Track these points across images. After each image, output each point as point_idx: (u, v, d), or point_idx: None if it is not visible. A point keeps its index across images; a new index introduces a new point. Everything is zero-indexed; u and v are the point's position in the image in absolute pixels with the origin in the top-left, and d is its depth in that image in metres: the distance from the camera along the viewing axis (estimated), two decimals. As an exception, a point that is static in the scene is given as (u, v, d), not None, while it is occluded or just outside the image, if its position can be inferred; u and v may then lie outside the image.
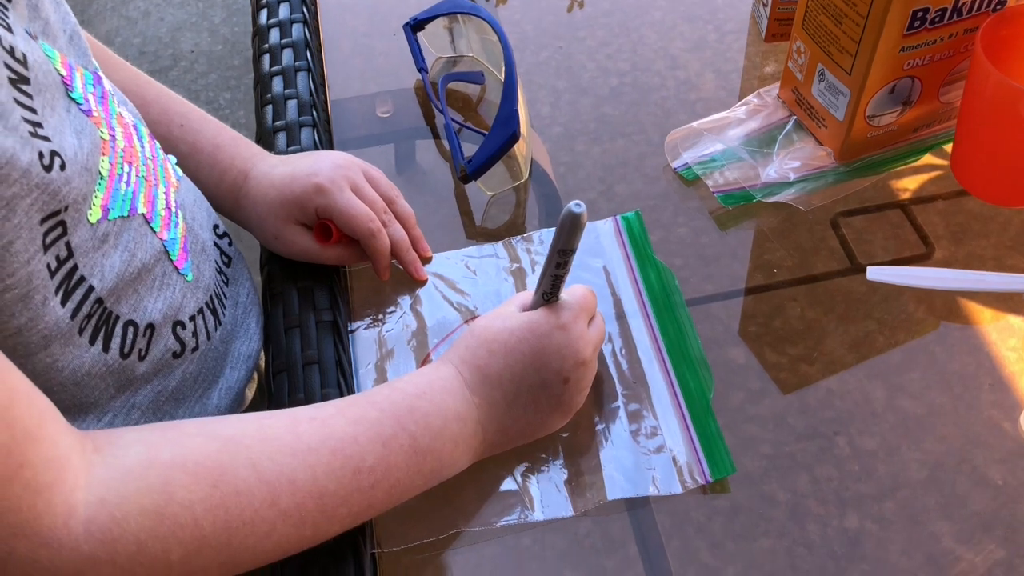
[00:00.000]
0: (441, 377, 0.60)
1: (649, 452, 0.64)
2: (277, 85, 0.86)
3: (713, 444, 0.64)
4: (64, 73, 0.55)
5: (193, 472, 0.49)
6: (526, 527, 0.61)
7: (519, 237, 0.78)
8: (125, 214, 0.59)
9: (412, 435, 0.56)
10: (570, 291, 0.63)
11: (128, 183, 0.60)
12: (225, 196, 0.75)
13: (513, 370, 0.60)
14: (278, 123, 0.83)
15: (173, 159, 0.71)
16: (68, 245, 0.54)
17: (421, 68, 0.89)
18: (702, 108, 0.88)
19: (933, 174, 0.82)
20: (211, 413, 0.72)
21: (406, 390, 0.59)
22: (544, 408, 0.62)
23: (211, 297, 0.70)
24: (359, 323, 0.72)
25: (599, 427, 0.66)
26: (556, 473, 0.63)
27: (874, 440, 0.64)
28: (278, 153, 0.80)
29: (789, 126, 0.84)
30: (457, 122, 0.85)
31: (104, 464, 0.48)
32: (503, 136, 0.77)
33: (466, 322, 0.72)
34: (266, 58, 0.89)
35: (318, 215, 0.71)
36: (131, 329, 0.61)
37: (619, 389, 0.68)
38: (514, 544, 0.61)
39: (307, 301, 0.72)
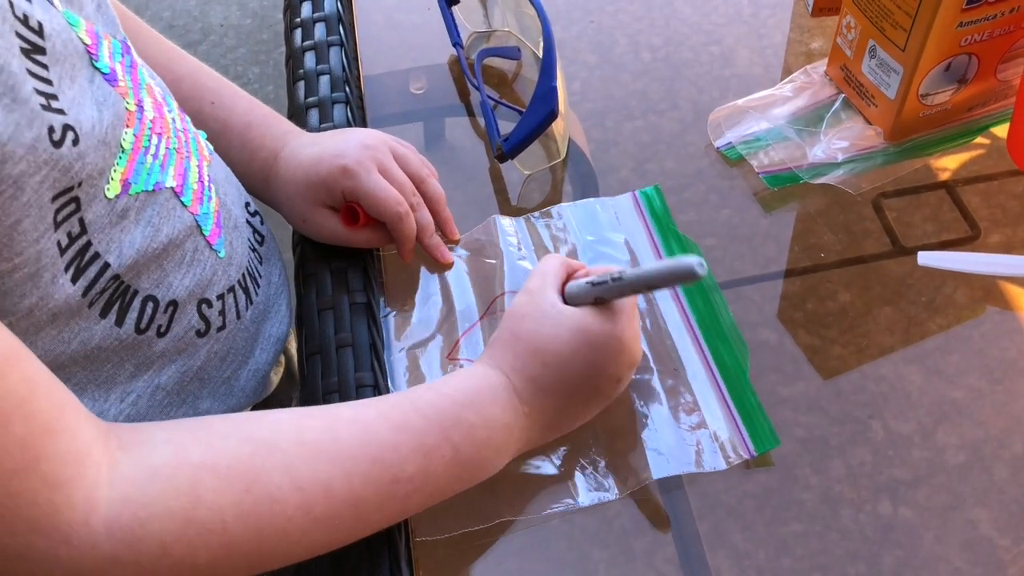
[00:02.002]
0: (491, 386, 0.62)
1: (690, 429, 0.68)
2: (309, 60, 0.91)
3: (754, 418, 0.68)
4: (89, 42, 0.56)
5: (225, 476, 0.51)
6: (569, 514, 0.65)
7: (537, 214, 0.82)
8: (150, 188, 0.61)
9: (455, 446, 0.58)
10: None
11: (156, 156, 0.61)
12: (255, 176, 0.78)
13: (569, 382, 0.63)
14: (310, 99, 0.87)
15: (203, 135, 0.73)
16: (81, 221, 0.55)
17: (456, 43, 0.93)
18: (737, 84, 0.91)
19: (979, 153, 0.85)
20: (236, 395, 0.75)
21: (454, 398, 0.60)
22: (593, 406, 0.65)
23: (244, 275, 0.72)
24: (391, 309, 0.76)
25: (638, 407, 0.69)
26: (597, 456, 0.67)
27: (909, 425, 0.68)
28: (310, 130, 0.84)
29: (837, 104, 0.87)
30: (492, 99, 0.89)
31: (130, 461, 0.49)
32: (541, 113, 0.80)
33: (495, 299, 0.76)
34: (298, 32, 0.94)
35: (345, 198, 0.74)
36: (150, 304, 0.63)
37: (654, 367, 0.72)
38: (542, 525, 0.65)
39: (340, 283, 0.76)
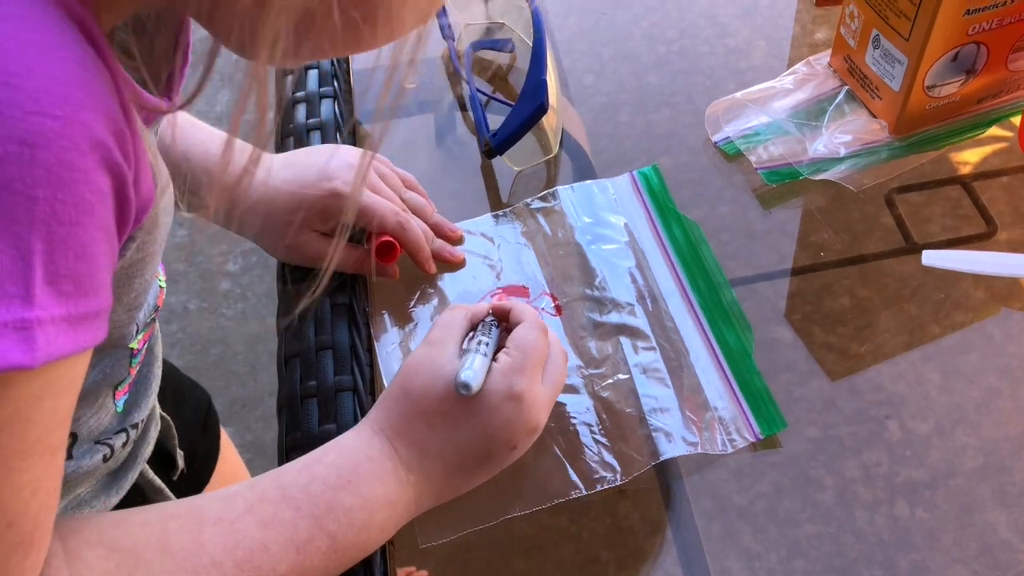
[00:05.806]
0: (371, 458, 0.60)
1: (694, 411, 0.69)
2: (296, 54, 0.91)
3: (760, 400, 0.69)
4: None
5: None
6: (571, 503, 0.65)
7: (535, 198, 0.82)
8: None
9: (331, 535, 0.57)
10: (518, 339, 0.63)
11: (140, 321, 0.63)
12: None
13: (457, 445, 0.61)
14: (298, 94, 0.87)
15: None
16: None
17: (448, 37, 0.93)
18: (752, 78, 0.92)
19: (996, 147, 0.85)
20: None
21: (327, 480, 0.58)
22: (486, 473, 0.63)
23: (133, 425, 0.72)
24: (383, 309, 0.76)
25: (641, 390, 0.70)
26: (602, 441, 0.67)
27: (927, 425, 0.68)
28: (296, 127, 0.84)
29: (840, 97, 0.87)
30: (484, 93, 0.89)
31: None
32: (529, 108, 0.80)
33: (492, 294, 0.76)
34: (284, 26, 0.94)
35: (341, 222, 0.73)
36: None
37: (657, 349, 0.72)
38: (550, 525, 0.65)
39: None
